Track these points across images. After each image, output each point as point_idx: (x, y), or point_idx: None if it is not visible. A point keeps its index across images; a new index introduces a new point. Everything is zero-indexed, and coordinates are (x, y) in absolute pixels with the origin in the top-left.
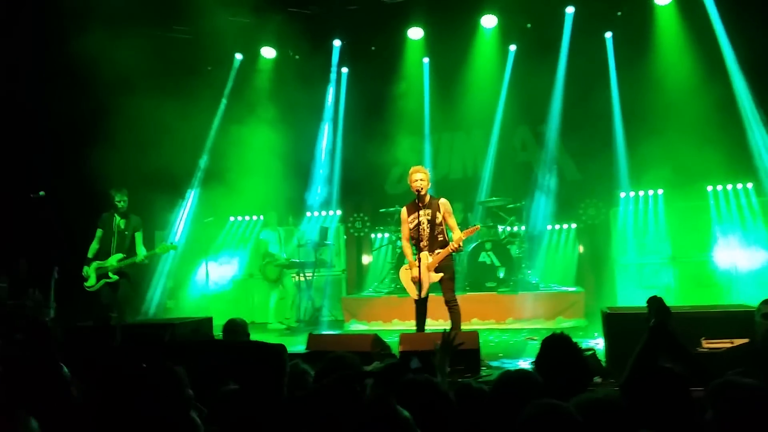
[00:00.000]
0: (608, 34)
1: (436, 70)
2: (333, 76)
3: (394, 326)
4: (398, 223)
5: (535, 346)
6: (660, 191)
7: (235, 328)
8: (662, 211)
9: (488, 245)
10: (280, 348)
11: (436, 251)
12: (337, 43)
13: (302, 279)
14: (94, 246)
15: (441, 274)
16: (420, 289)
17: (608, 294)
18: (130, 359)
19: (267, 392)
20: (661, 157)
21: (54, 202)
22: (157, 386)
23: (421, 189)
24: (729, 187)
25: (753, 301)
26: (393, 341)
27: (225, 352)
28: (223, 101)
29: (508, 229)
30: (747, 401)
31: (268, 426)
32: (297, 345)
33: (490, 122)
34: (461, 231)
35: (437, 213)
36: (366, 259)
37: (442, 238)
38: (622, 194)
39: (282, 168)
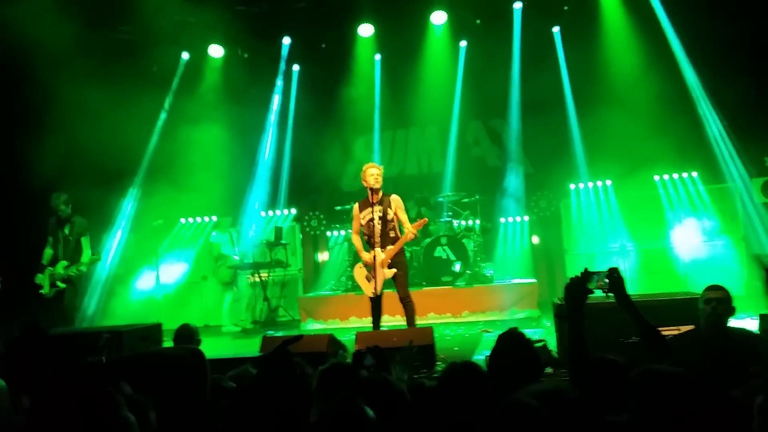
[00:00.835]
0: (556, 29)
1: (388, 67)
2: (282, 74)
3: (351, 324)
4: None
5: (490, 339)
6: (608, 182)
7: (188, 333)
8: (614, 201)
9: (444, 240)
10: (198, 354)
11: (388, 247)
12: (286, 41)
13: (257, 279)
14: (47, 252)
15: (394, 270)
16: (375, 286)
17: (561, 284)
18: (60, 373)
19: (186, 401)
20: (610, 149)
21: None
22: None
23: (376, 185)
24: (675, 176)
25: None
26: (350, 339)
27: (140, 367)
28: (167, 100)
29: (463, 223)
30: (666, 388)
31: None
32: (252, 348)
33: (444, 118)
34: (411, 225)
35: (389, 209)
36: (322, 257)
37: (393, 235)
38: (572, 186)
39: (231, 168)
